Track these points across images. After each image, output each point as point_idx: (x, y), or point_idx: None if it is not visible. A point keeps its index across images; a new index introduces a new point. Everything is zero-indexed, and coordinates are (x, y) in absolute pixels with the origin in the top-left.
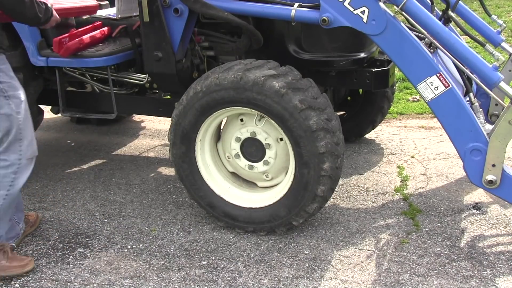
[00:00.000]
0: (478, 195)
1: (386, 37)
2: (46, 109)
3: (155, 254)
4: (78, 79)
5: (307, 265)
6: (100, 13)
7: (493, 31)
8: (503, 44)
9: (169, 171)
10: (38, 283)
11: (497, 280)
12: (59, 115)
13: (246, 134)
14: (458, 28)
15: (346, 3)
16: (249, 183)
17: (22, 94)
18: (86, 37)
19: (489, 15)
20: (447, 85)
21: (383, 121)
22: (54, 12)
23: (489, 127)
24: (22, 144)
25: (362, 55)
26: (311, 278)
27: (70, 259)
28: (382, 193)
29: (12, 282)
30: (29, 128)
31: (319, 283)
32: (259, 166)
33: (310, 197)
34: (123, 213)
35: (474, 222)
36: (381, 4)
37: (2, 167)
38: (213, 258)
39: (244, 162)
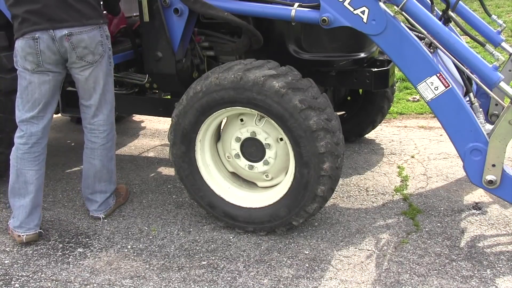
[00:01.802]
0: (478, 195)
1: (386, 37)
2: None
3: (155, 254)
4: None
5: (307, 265)
6: None
7: (493, 31)
8: (503, 44)
9: (169, 171)
10: (38, 283)
11: (497, 280)
12: (59, 115)
13: (246, 134)
14: (458, 28)
15: (346, 3)
16: (249, 183)
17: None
18: None
19: (489, 15)
20: (447, 85)
21: (383, 121)
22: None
23: (489, 127)
24: (114, 102)
25: (362, 55)
26: (311, 278)
27: (70, 259)
28: (382, 193)
29: (12, 282)
30: None
31: (319, 283)
32: (259, 166)
33: (310, 197)
34: (123, 213)
35: (474, 222)
36: (381, 4)
37: (111, 130)
38: (213, 258)
39: (244, 162)
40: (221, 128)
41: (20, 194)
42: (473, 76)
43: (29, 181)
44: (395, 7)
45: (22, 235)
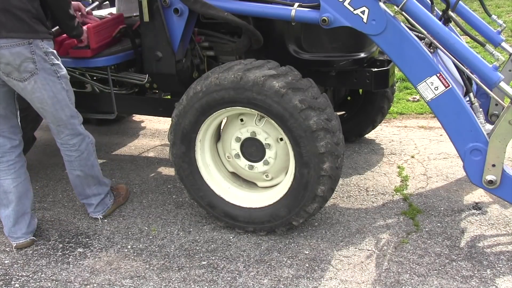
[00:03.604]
0: (478, 195)
1: (386, 37)
2: None
3: (155, 254)
4: (78, 79)
5: (307, 265)
6: (100, 13)
7: (493, 31)
8: (503, 44)
9: (169, 171)
10: (38, 283)
11: (497, 280)
12: None
13: (246, 134)
14: (458, 28)
15: (346, 3)
16: (249, 183)
17: (67, 73)
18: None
19: (489, 15)
20: (447, 85)
21: (383, 121)
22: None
23: (489, 127)
24: (78, 115)
25: (362, 55)
26: (311, 278)
27: (70, 259)
28: (382, 193)
29: (12, 282)
30: (74, 101)
31: (319, 283)
32: (259, 166)
33: (310, 197)
34: (123, 213)
35: (474, 222)
36: (381, 4)
37: (81, 142)
38: (213, 258)
39: (244, 162)
40: (221, 128)
41: (3, 204)
42: (473, 76)
43: (7, 190)
44: (395, 7)
45: (13, 243)
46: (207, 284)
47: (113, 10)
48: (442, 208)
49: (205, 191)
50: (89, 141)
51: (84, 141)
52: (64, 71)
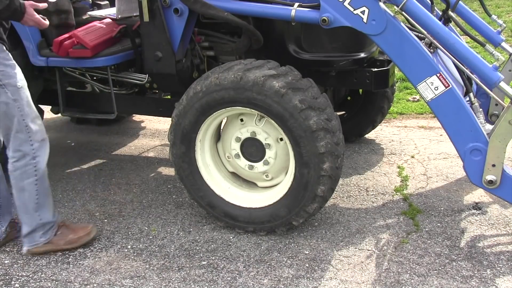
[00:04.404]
0: (478, 195)
1: (386, 37)
2: (46, 109)
3: (155, 254)
4: (78, 79)
5: (307, 265)
6: (100, 13)
7: (493, 31)
8: (503, 44)
9: (169, 171)
10: (38, 283)
11: (497, 280)
12: (59, 115)
13: (246, 134)
14: (458, 28)
15: (346, 3)
16: (249, 183)
17: (19, 81)
18: None
19: (489, 15)
20: (447, 85)
21: (383, 121)
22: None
23: (489, 127)
24: (30, 130)
25: (362, 55)
26: (311, 278)
27: (70, 259)
28: (382, 193)
29: (12, 282)
30: (33, 113)
31: (319, 283)
32: (259, 166)
33: (310, 197)
34: (123, 213)
35: (474, 222)
36: (381, 4)
37: (19, 158)
38: (213, 258)
39: (244, 162)
40: (221, 128)
41: None
42: (473, 76)
43: None
44: (395, 7)
45: None
46: (207, 284)
47: (113, 10)
48: (442, 208)
49: (205, 191)
50: (31, 162)
51: (23, 159)
52: (12, 80)
